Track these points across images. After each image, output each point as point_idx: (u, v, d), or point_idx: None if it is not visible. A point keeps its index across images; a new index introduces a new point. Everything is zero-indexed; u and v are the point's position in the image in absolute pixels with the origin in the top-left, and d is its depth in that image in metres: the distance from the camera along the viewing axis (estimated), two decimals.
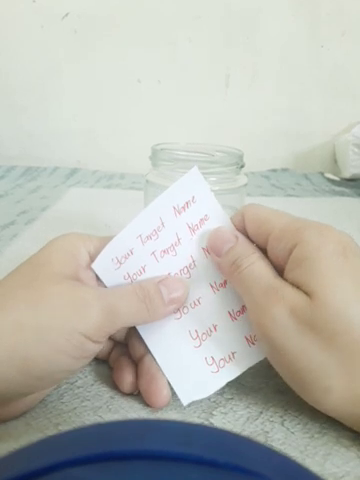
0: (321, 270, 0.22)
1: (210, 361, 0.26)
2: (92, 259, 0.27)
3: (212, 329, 0.27)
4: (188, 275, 0.28)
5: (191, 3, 0.95)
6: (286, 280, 0.24)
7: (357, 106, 1.02)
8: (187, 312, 0.27)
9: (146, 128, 1.00)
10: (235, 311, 0.27)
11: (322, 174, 0.99)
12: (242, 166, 0.39)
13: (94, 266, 0.28)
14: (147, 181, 0.40)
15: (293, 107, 1.03)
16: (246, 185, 0.40)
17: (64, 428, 0.23)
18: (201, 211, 0.28)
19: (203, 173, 0.35)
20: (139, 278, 0.28)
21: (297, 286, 0.23)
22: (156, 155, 0.40)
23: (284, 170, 1.01)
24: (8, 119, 1.02)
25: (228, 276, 0.26)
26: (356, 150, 0.95)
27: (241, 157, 0.39)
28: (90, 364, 0.29)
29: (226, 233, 0.27)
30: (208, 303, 0.27)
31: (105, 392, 0.27)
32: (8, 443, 0.22)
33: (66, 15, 0.96)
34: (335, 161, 1.05)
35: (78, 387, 0.27)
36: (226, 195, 0.40)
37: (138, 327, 0.28)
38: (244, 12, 0.96)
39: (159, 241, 0.28)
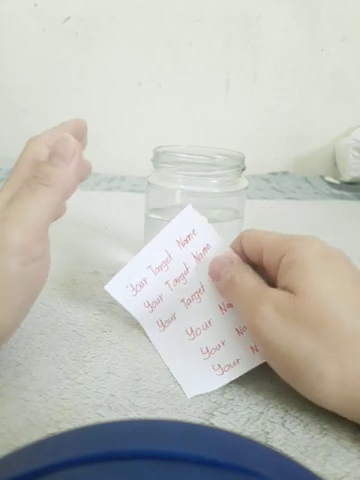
0: (305, 270, 0.25)
1: (216, 367, 0.28)
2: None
3: (221, 344, 0.29)
4: (199, 299, 0.31)
5: (192, 7, 0.96)
6: (278, 286, 0.26)
7: (357, 110, 1.02)
8: (200, 334, 0.30)
9: (146, 131, 1.00)
10: (242, 327, 0.28)
11: (322, 177, 0.99)
12: (243, 169, 0.40)
13: (107, 288, 0.32)
14: (149, 183, 0.40)
15: (293, 110, 1.03)
16: (247, 188, 0.40)
17: (65, 426, 0.23)
18: (203, 241, 0.32)
19: (204, 176, 0.39)
20: (158, 306, 0.32)
21: (285, 288, 0.25)
22: (158, 157, 0.40)
23: (284, 173, 1.02)
24: (9, 121, 1.02)
25: (226, 294, 0.29)
26: (356, 154, 0.95)
27: (242, 160, 0.40)
28: (90, 361, 0.29)
29: (222, 259, 0.30)
30: (218, 323, 0.29)
31: (105, 389, 0.27)
32: (8, 439, 0.22)
33: (67, 19, 0.96)
34: (335, 164, 1.05)
35: (79, 383, 0.27)
36: (227, 198, 0.40)
37: (152, 340, 0.31)
38: (245, 16, 0.97)
39: (170, 272, 0.32)
